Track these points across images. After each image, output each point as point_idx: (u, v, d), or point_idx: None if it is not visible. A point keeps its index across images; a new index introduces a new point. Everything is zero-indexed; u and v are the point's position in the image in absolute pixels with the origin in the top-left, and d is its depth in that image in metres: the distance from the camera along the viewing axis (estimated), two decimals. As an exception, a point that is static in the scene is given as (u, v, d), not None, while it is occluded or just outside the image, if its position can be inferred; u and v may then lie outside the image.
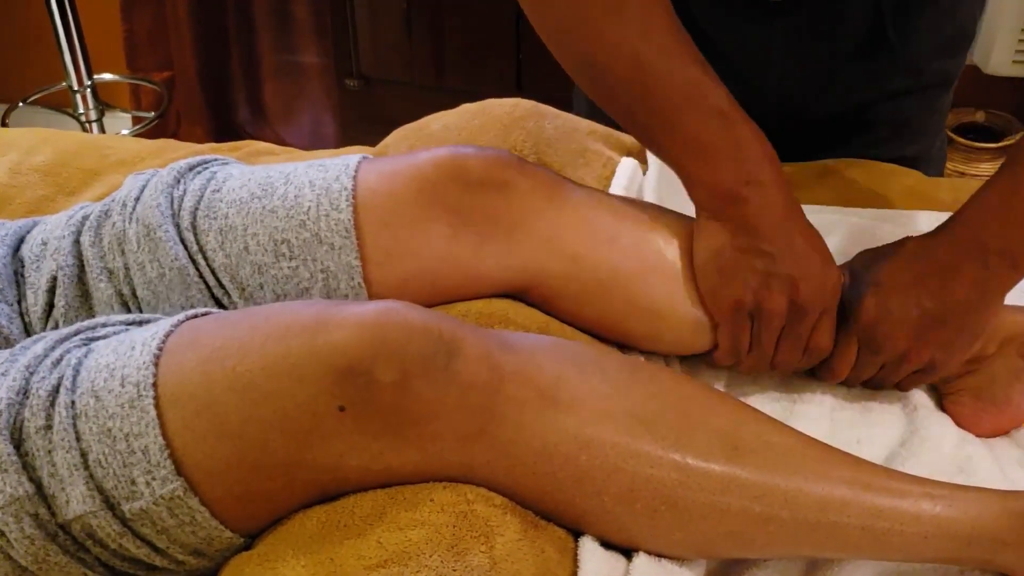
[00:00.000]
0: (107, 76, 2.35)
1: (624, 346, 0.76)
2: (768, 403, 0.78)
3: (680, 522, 0.56)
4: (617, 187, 0.89)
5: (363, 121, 2.16)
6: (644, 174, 0.94)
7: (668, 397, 0.60)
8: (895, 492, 0.59)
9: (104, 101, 2.28)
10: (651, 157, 0.95)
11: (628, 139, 1.01)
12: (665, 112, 0.69)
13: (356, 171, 0.71)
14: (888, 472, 0.61)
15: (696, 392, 0.62)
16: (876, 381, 0.76)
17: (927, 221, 0.95)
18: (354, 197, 0.70)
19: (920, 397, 0.77)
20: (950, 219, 0.71)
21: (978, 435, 0.74)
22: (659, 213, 0.77)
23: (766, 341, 0.72)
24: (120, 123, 2.45)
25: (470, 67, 2.01)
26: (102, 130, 2.25)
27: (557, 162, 0.87)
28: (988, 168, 2.11)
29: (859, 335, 0.72)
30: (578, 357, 0.60)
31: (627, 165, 0.92)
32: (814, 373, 0.77)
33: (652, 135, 0.73)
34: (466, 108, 0.92)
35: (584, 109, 1.10)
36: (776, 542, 0.58)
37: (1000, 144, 2.09)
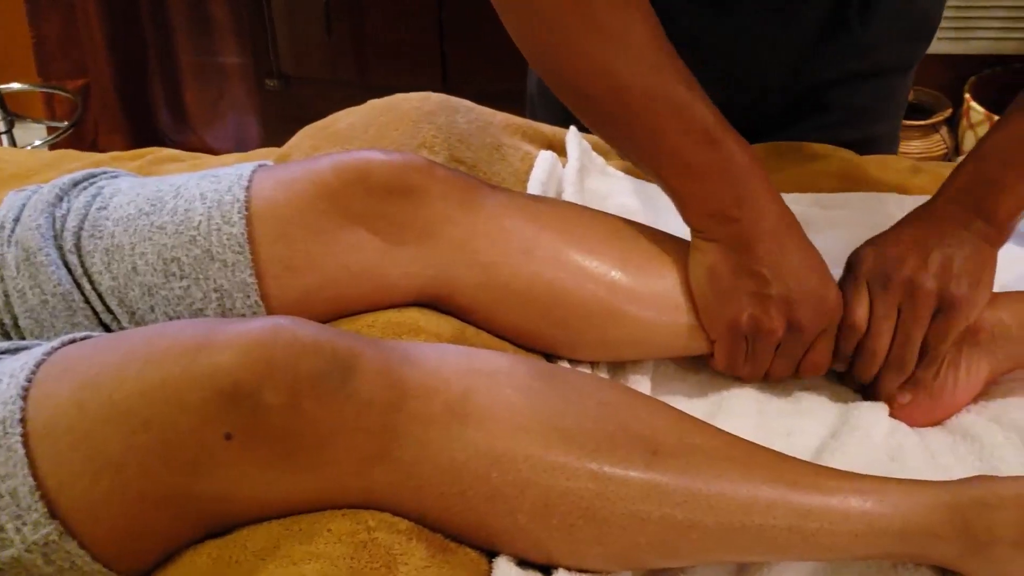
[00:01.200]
0: (15, 85, 2.26)
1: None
2: (697, 398, 0.75)
3: (599, 535, 0.53)
4: (535, 181, 0.86)
5: (286, 121, 2.10)
6: (564, 167, 0.90)
7: (585, 404, 0.57)
8: (823, 489, 0.56)
9: (14, 112, 2.19)
10: (570, 148, 0.92)
11: (548, 130, 0.98)
12: (650, 134, 0.67)
13: (250, 181, 0.67)
14: (816, 469, 0.58)
15: (615, 397, 0.59)
16: (903, 338, 0.69)
17: (861, 203, 0.94)
18: (248, 209, 0.65)
19: (847, 391, 0.75)
20: (937, 191, 0.74)
21: (912, 425, 0.72)
22: (581, 215, 0.74)
23: (761, 358, 0.71)
24: (33, 133, 2.36)
25: (394, 63, 1.97)
26: (12, 142, 2.16)
27: (471, 158, 0.83)
28: (918, 145, 2.12)
29: (865, 278, 0.70)
30: (488, 367, 0.57)
31: (545, 159, 0.89)
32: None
33: (639, 156, 0.70)
34: (373, 104, 0.88)
35: (538, 99, 1.07)
36: (701, 549, 0.55)
37: (929, 121, 2.10)
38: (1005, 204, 0.70)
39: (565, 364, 0.72)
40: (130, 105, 2.40)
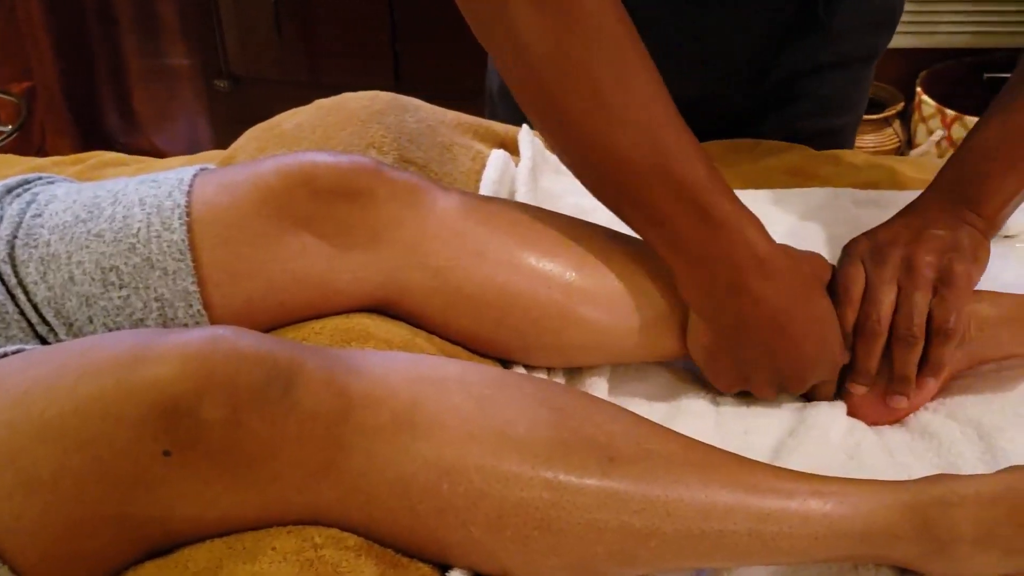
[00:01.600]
0: (-44, 90, 2.21)
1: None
2: (655, 400, 0.74)
3: (555, 545, 0.52)
4: (487, 181, 0.84)
5: (237, 123, 2.06)
6: (517, 166, 0.89)
7: (539, 411, 0.55)
8: (782, 492, 0.55)
9: (-45, 117, 2.14)
10: (523, 146, 0.90)
11: (501, 129, 0.96)
12: (644, 207, 0.65)
13: (191, 185, 0.65)
14: (775, 471, 0.57)
15: (570, 403, 0.57)
16: (907, 310, 0.67)
17: (802, 199, 0.93)
18: (188, 214, 0.63)
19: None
20: (927, 187, 0.75)
21: (871, 423, 0.72)
22: (535, 216, 0.72)
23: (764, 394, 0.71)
24: (-23, 139, 2.29)
25: (345, 62, 1.94)
26: (-45, 147, 2.10)
27: (421, 158, 0.81)
28: (872, 139, 2.13)
29: (859, 257, 0.71)
30: (437, 375, 0.55)
31: (497, 158, 0.87)
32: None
33: (630, 224, 0.68)
34: (321, 104, 0.86)
35: (498, 99, 1.06)
36: (660, 556, 0.53)
37: (882, 115, 2.12)
38: (992, 197, 0.72)
39: (520, 369, 0.71)
40: (78, 108, 2.35)
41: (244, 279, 0.64)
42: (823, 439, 0.68)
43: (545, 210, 0.75)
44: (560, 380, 0.73)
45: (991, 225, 0.73)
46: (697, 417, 0.72)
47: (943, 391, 0.73)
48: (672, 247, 0.65)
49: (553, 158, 0.94)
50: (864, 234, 0.74)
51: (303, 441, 0.49)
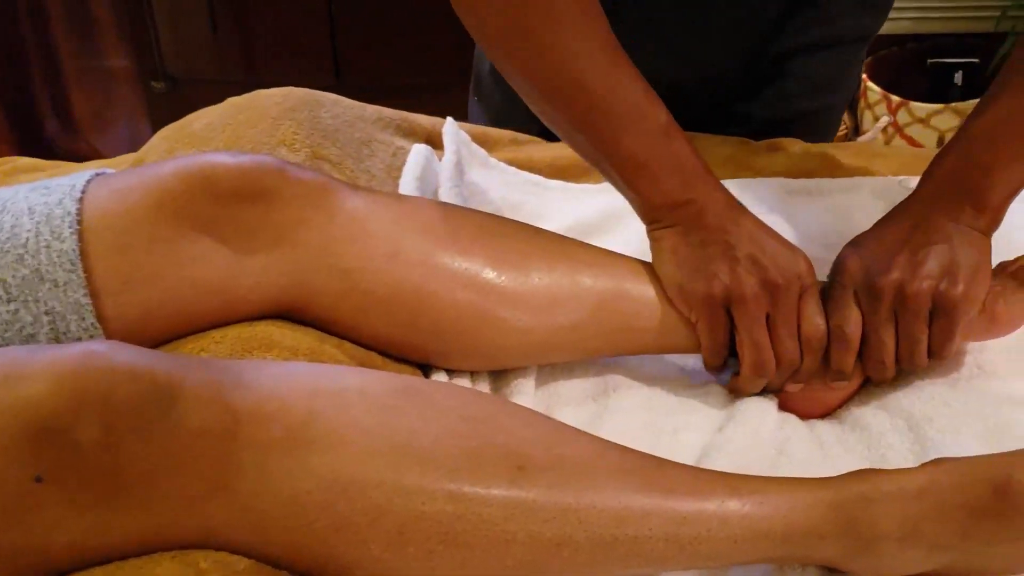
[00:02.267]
0: None
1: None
2: (584, 400, 0.72)
3: (461, 560, 0.49)
4: (408, 177, 0.81)
5: (175, 125, 2.03)
6: (440, 160, 0.86)
7: (445, 420, 0.52)
8: (699, 494, 0.53)
9: None
10: (447, 140, 0.87)
11: (427, 122, 0.93)
12: (608, 131, 0.67)
13: (83, 192, 0.62)
14: (694, 472, 0.55)
15: (481, 410, 0.55)
16: (907, 344, 0.66)
17: (734, 190, 0.91)
18: (80, 222, 0.60)
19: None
20: (920, 180, 0.71)
21: (804, 417, 0.70)
22: (451, 214, 0.70)
23: (754, 332, 0.66)
24: (-92, 147, 2.22)
25: (284, 59, 1.90)
26: None
27: (336, 154, 0.78)
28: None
29: (852, 286, 0.67)
30: (335, 386, 0.52)
31: (419, 152, 0.84)
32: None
33: (593, 152, 0.69)
34: (232, 102, 0.83)
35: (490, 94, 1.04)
36: (573, 567, 0.51)
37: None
38: (996, 189, 0.67)
39: (442, 374, 0.68)
40: (15, 113, 2.28)
41: (140, 288, 0.61)
42: (753, 434, 0.66)
43: (463, 208, 0.73)
44: (485, 383, 0.70)
45: (994, 220, 0.68)
46: (627, 416, 0.70)
47: (873, 382, 0.71)
48: (635, 168, 0.67)
49: (481, 151, 0.91)
50: (855, 249, 0.69)
51: (188, 461, 0.46)
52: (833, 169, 0.98)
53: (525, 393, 0.70)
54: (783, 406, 0.70)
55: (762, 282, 0.66)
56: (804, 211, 0.89)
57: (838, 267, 0.69)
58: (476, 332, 0.66)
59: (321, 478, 0.48)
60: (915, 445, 0.65)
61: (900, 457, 0.64)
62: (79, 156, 1.84)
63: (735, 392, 0.70)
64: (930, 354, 0.67)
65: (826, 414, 0.71)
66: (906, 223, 0.68)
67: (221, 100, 0.88)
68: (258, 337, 0.61)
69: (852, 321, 0.66)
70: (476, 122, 1.08)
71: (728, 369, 0.71)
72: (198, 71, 1.96)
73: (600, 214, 0.88)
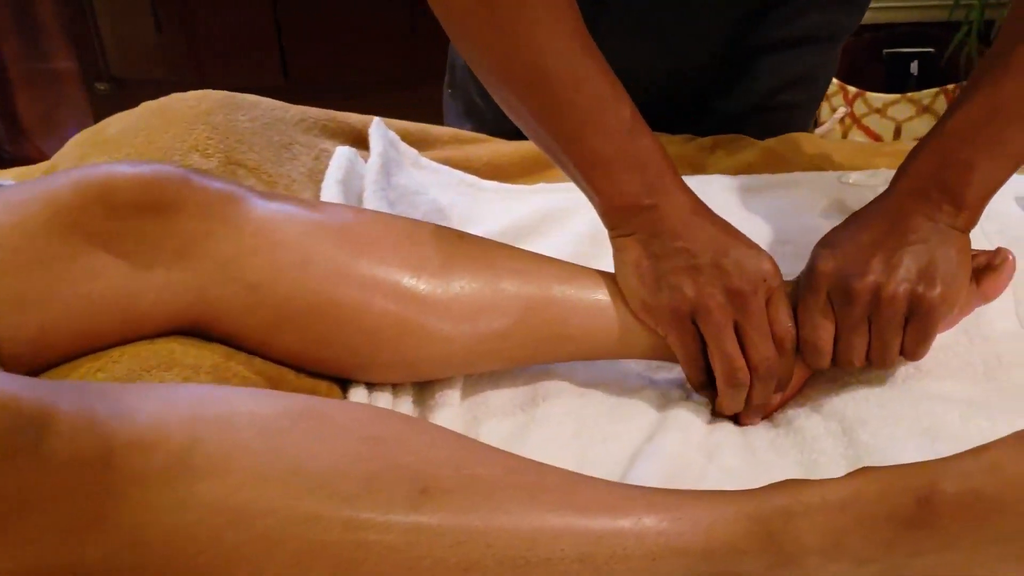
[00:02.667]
0: None
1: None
2: (511, 409, 0.69)
3: (362, 590, 0.47)
4: (330, 181, 0.78)
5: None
6: (367, 162, 0.83)
7: (344, 443, 0.50)
8: (615, 511, 0.50)
9: None
10: (373, 141, 0.85)
11: (356, 121, 0.90)
12: (570, 125, 0.64)
13: None
14: (610, 487, 0.53)
15: (386, 430, 0.52)
16: (879, 346, 0.64)
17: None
18: None
19: (672, 390, 0.71)
20: (894, 176, 0.69)
21: (741, 422, 0.68)
22: (369, 221, 0.67)
23: (722, 343, 0.64)
24: None
25: (230, 60, 1.86)
26: None
27: (253, 159, 0.75)
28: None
29: (825, 290, 0.65)
30: (223, 409, 0.49)
31: (342, 155, 0.82)
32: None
33: (555, 146, 0.66)
34: (147, 106, 0.80)
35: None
36: (484, 593, 0.49)
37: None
38: (975, 186, 0.64)
39: (360, 389, 0.65)
40: (-40, 118, 2.24)
41: (35, 307, 0.58)
42: (683, 441, 0.64)
43: (383, 213, 0.70)
44: (408, 396, 0.68)
45: (972, 218, 0.66)
46: (556, 426, 0.68)
47: (809, 383, 0.70)
48: (596, 166, 0.65)
49: (412, 151, 0.89)
50: (829, 250, 0.66)
51: (61, 494, 0.43)
52: (776, 164, 0.96)
53: (450, 405, 0.68)
54: (719, 410, 0.68)
55: (726, 290, 0.64)
56: (747, 208, 0.87)
57: (811, 269, 0.66)
58: (396, 343, 0.64)
59: (207, 507, 0.45)
60: (848, 449, 0.63)
61: (832, 463, 0.62)
62: (28, 160, 1.80)
63: (720, 412, 0.68)
64: (902, 354, 0.65)
65: (763, 417, 0.69)
66: (882, 223, 0.66)
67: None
68: (158, 355, 0.58)
69: (825, 332, 0.65)
70: (450, 115, 1.06)
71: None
72: (143, 72, 1.92)
73: (535, 216, 0.86)
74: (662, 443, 0.63)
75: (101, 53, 1.91)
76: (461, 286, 0.66)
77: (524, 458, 0.54)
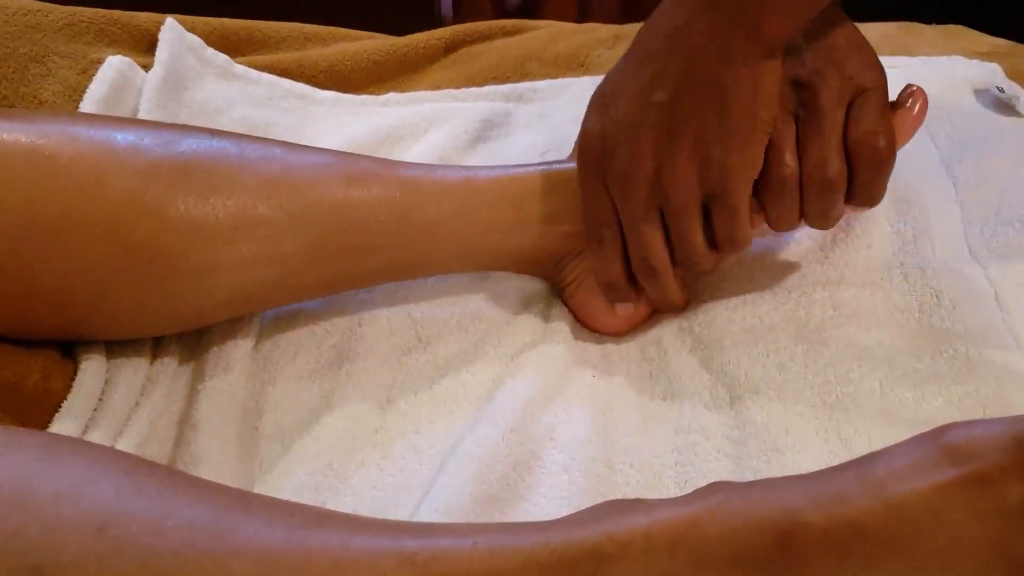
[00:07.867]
0: None
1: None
2: (307, 371, 0.53)
3: None
4: (89, 100, 0.61)
5: None
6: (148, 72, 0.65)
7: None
8: (369, 568, 0.35)
9: None
10: (162, 46, 0.67)
11: (146, 22, 0.71)
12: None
13: None
14: (391, 526, 0.38)
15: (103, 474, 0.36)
16: (677, 246, 0.51)
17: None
18: None
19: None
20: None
21: (605, 332, 0.54)
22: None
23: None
24: None
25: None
26: None
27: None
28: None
29: (597, 172, 0.51)
30: None
31: (110, 67, 0.64)
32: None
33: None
34: None
35: None
36: None
37: None
38: (771, 13, 0.47)
39: (98, 352, 0.50)
40: None
41: None
42: (524, 416, 0.48)
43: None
44: (174, 358, 0.52)
45: (771, 53, 0.48)
46: (359, 403, 0.52)
47: (705, 319, 0.54)
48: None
49: (221, 58, 0.70)
50: (597, 95, 0.51)
51: None
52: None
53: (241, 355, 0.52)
54: (582, 320, 0.55)
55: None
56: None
57: (580, 144, 0.52)
58: (130, 285, 0.48)
59: None
60: (732, 432, 0.47)
61: (710, 456, 0.46)
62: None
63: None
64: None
65: (629, 329, 0.54)
66: (657, 38, 0.49)
67: None
68: None
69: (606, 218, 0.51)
70: None
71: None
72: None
73: (376, 136, 0.68)
74: (471, 448, 0.47)
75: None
76: (217, 203, 0.49)
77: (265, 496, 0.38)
